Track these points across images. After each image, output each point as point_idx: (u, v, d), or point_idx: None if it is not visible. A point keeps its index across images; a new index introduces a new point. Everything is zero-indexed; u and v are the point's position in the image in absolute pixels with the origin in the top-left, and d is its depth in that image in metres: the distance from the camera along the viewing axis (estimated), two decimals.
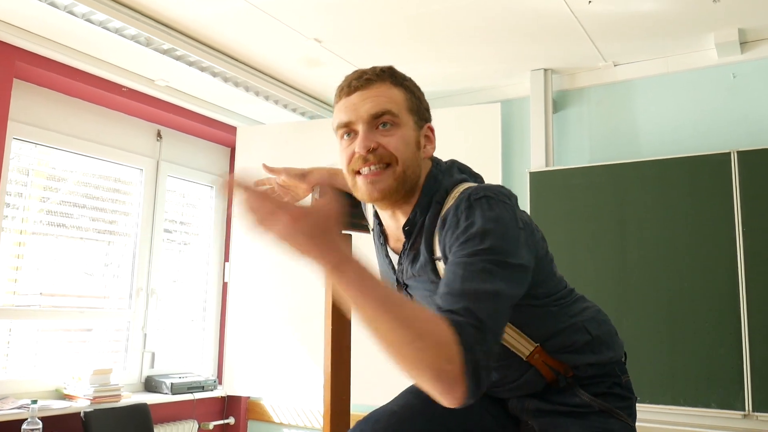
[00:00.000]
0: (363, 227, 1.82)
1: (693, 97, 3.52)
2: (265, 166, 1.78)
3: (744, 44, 3.35)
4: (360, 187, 1.28)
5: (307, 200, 1.81)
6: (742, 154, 3.11)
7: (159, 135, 4.46)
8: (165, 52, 3.43)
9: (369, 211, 1.55)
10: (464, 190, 1.23)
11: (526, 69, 3.75)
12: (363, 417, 1.38)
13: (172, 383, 4.08)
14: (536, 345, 1.28)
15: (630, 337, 3.02)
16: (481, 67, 3.79)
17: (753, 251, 3.02)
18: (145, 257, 4.26)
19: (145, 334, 4.23)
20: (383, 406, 1.40)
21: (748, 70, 3.41)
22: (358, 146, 1.25)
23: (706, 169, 3.14)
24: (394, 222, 1.36)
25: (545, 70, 3.70)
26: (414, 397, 1.36)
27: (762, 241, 3.01)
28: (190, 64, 3.58)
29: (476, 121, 3.84)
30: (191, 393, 4.18)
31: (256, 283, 4.20)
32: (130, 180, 4.29)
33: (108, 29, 3.18)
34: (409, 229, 1.30)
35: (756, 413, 2.91)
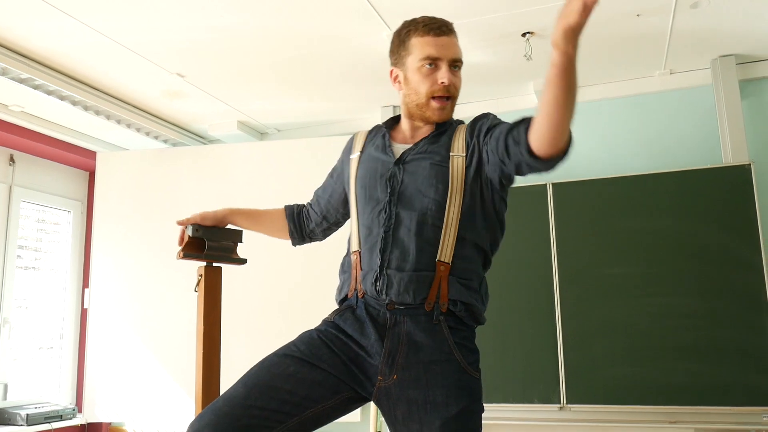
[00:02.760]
0: (233, 260, 2.06)
1: None
2: (179, 221, 1.96)
3: None
4: (432, 109, 1.61)
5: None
6: (556, 186, 3.67)
7: (12, 159, 4.36)
8: (22, 81, 3.43)
9: (359, 138, 1.81)
10: (479, 114, 1.66)
11: (378, 106, 4.13)
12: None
13: (27, 414, 3.99)
14: (450, 262, 1.52)
15: None
16: (338, 103, 4.12)
17: (564, 269, 3.57)
18: None
19: None
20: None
21: None
22: (445, 78, 1.58)
23: (527, 198, 3.66)
24: (414, 127, 1.68)
25: (393, 106, 4.10)
26: (240, 385, 1.49)
27: (572, 261, 3.56)
28: (49, 92, 3.60)
29: (335, 151, 4.14)
30: (48, 423, 4.11)
31: (116, 309, 4.22)
32: None
33: None
34: (439, 130, 1.64)
35: (569, 405, 3.44)
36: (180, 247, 1.99)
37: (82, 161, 4.67)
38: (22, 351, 4.33)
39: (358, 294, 1.57)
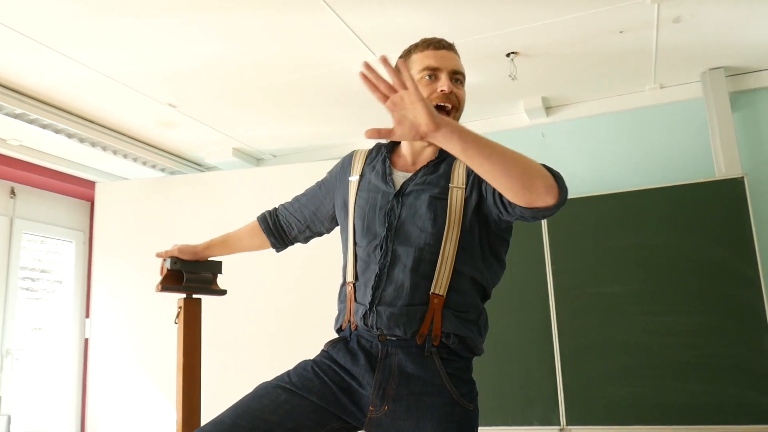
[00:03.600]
0: (212, 292, 2.07)
1: None
2: (158, 253, 2.00)
3: (549, 109, 3.94)
4: None
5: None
6: None
7: (12, 192, 4.43)
8: (17, 116, 3.49)
9: (358, 158, 1.77)
10: None
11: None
12: None
13: None
14: (444, 295, 1.50)
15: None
16: (331, 127, 4.15)
17: (560, 287, 3.54)
18: None
19: (0, 397, 4.13)
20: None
21: (555, 131, 4.00)
22: (444, 86, 1.56)
23: None
24: (415, 151, 1.64)
25: None
26: (231, 411, 1.50)
27: (567, 279, 3.54)
28: (44, 126, 3.65)
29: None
30: None
31: (117, 338, 4.24)
32: None
33: None
34: (439, 158, 1.61)
35: (570, 426, 3.39)
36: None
37: (82, 192, 4.73)
38: (26, 381, 4.35)
39: (351, 326, 1.57)
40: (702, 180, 3.44)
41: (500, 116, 4.06)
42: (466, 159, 1.29)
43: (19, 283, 4.38)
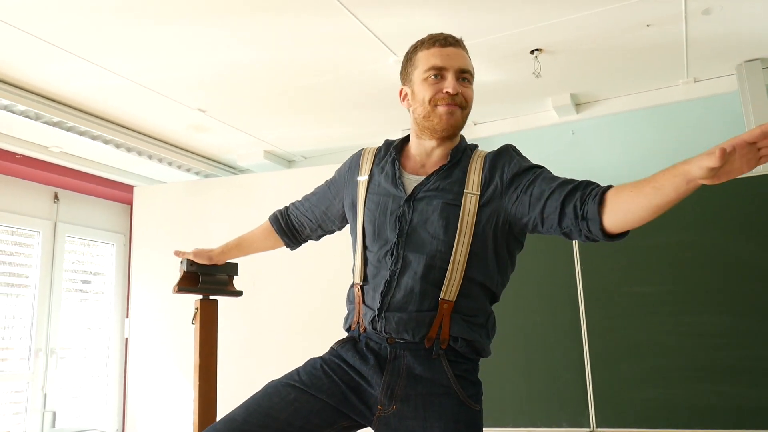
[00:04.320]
0: (228, 293, 2.12)
1: (539, 151, 3.99)
2: (176, 252, 2.09)
3: (579, 105, 3.87)
4: (439, 115, 1.55)
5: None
6: None
7: (56, 197, 4.60)
8: (55, 124, 3.62)
9: (366, 157, 1.75)
10: (501, 147, 1.62)
11: (398, 128, 4.15)
12: None
13: None
14: (454, 301, 1.49)
15: (493, 368, 3.40)
16: (359, 128, 4.17)
17: (589, 288, 3.47)
18: (44, 318, 4.36)
19: (45, 394, 4.30)
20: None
21: (585, 127, 3.93)
22: (450, 87, 1.53)
23: None
24: (425, 152, 1.63)
25: None
26: (242, 409, 1.53)
27: (597, 279, 3.47)
28: (81, 133, 3.78)
29: None
30: None
31: (156, 338, 4.36)
32: (29, 243, 4.40)
33: None
34: (452, 161, 1.59)
35: (600, 429, 3.32)
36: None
37: (122, 195, 4.88)
38: (70, 379, 4.52)
39: (360, 328, 1.58)
40: (740, 176, 3.33)
41: (529, 114, 4.01)
42: (671, 197, 1.28)
43: (63, 284, 4.55)
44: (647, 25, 3.00)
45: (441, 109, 1.54)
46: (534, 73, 3.26)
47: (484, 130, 4.13)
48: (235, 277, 2.17)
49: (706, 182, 1.19)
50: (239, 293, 2.16)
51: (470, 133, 4.10)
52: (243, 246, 2.08)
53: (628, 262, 3.42)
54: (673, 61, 3.42)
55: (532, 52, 3.19)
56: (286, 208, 2.00)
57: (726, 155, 1.13)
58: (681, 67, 3.49)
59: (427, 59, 1.57)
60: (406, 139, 1.70)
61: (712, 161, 1.13)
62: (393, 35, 2.96)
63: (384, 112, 3.89)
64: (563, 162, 3.93)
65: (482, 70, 3.35)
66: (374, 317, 1.53)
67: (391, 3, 2.71)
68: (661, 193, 1.28)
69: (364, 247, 1.62)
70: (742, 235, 3.22)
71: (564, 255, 3.54)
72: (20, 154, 4.07)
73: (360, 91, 3.58)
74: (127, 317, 4.73)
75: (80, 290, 4.74)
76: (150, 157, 4.26)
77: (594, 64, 3.40)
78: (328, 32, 2.93)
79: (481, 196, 1.53)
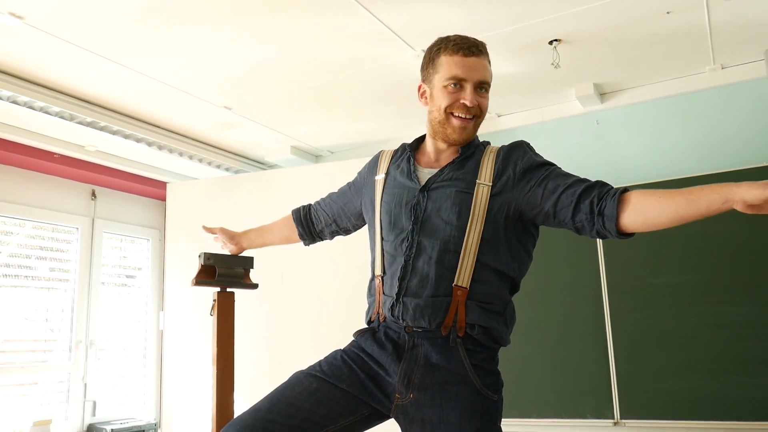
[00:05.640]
0: (244, 285, 2.19)
1: (564, 141, 3.98)
2: (204, 227, 2.31)
3: (603, 95, 3.83)
4: (452, 126, 1.62)
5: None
6: None
7: (93, 194, 4.76)
8: (89, 124, 3.76)
9: (384, 158, 1.84)
10: (514, 142, 1.66)
11: (420, 122, 4.17)
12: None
13: (112, 429, 4.32)
14: (468, 287, 1.52)
15: (518, 361, 3.42)
16: (382, 122, 4.22)
17: (613, 280, 3.45)
18: (83, 311, 4.53)
19: (86, 384, 4.47)
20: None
21: (609, 117, 3.89)
22: (468, 100, 1.59)
23: None
24: (438, 149, 1.69)
25: None
26: (267, 400, 1.59)
27: (621, 271, 3.44)
28: (114, 133, 3.92)
29: None
30: None
31: (189, 330, 4.49)
32: (68, 239, 4.57)
33: (33, 108, 3.51)
34: (465, 154, 1.65)
35: (624, 420, 3.31)
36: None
37: (156, 192, 5.02)
38: (109, 370, 4.69)
39: (380, 318, 1.63)
40: (765, 164, 3.26)
41: (552, 105, 3.99)
42: (703, 212, 1.34)
43: (101, 278, 4.72)
44: (667, 12, 2.96)
45: (455, 122, 1.60)
46: (553, 63, 3.24)
47: (507, 122, 4.12)
48: (251, 270, 2.25)
49: (744, 209, 1.24)
50: (255, 286, 2.23)
51: (494, 125, 4.12)
52: (264, 232, 2.18)
53: (651, 253, 3.39)
54: (697, 48, 3.36)
55: (550, 42, 3.17)
56: (310, 203, 2.10)
57: None
58: (706, 53, 3.42)
59: (449, 67, 1.62)
60: (421, 139, 1.77)
61: None
62: (409, 29, 2.99)
63: (406, 106, 3.92)
64: (588, 152, 3.90)
65: (501, 62, 3.35)
66: (393, 303, 1.58)
67: None
68: (692, 206, 1.33)
69: (382, 239, 1.68)
70: (765, 224, 3.16)
71: (588, 248, 3.53)
72: (58, 154, 4.23)
73: (381, 86, 3.62)
74: (162, 310, 4.88)
75: (118, 284, 4.91)
76: (181, 154, 4.38)
77: (615, 54, 3.36)
78: (346, 30, 2.98)
79: (493, 186, 1.57)
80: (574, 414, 3.41)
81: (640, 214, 1.41)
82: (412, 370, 1.54)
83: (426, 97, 1.68)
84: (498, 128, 4.15)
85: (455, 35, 1.65)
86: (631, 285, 3.41)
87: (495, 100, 3.86)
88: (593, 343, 3.44)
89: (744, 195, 1.23)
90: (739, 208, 1.25)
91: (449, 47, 1.63)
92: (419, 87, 1.70)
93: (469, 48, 1.61)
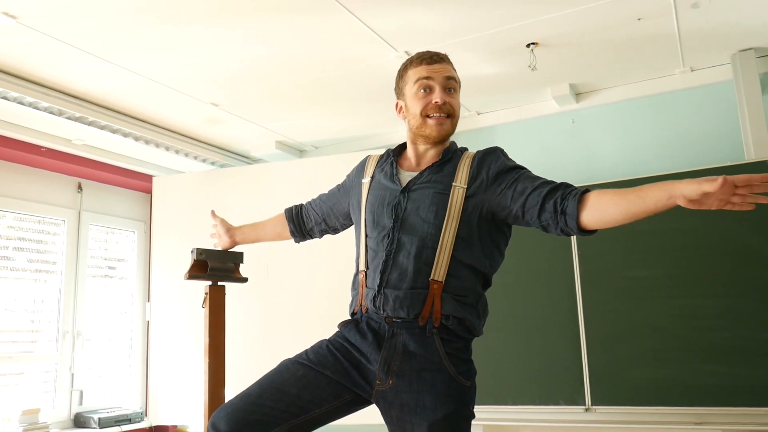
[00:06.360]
0: (234, 279, 2.30)
1: (541, 138, 4.12)
2: (213, 214, 2.42)
3: (578, 95, 3.97)
4: (430, 126, 1.76)
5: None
6: None
7: (80, 187, 4.82)
8: (77, 119, 3.82)
9: (371, 162, 1.97)
10: (488, 148, 1.80)
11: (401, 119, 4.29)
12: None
13: (99, 418, 4.40)
14: (443, 281, 1.64)
15: (494, 350, 3.56)
16: (366, 119, 4.33)
17: (586, 271, 3.61)
18: (70, 302, 4.60)
19: (73, 374, 4.55)
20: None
21: (584, 116, 4.04)
22: (438, 98, 1.75)
23: None
24: (419, 154, 1.83)
25: None
26: (256, 386, 1.72)
27: (594, 264, 3.60)
28: (102, 128, 3.98)
29: None
30: (118, 426, 4.50)
31: (175, 321, 4.57)
32: (55, 231, 4.63)
33: (23, 104, 3.57)
34: (443, 159, 1.79)
35: (595, 407, 3.48)
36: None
37: (142, 185, 5.08)
38: (96, 360, 4.77)
39: (362, 309, 1.76)
40: (731, 163, 3.42)
41: (530, 104, 4.13)
42: (650, 209, 1.45)
43: (88, 270, 4.79)
44: (638, 19, 3.10)
45: (431, 121, 1.76)
46: (530, 66, 3.37)
47: (487, 120, 4.26)
48: (241, 264, 2.36)
49: (685, 204, 1.36)
50: (245, 279, 2.35)
51: (474, 123, 4.25)
52: (257, 227, 2.31)
53: (624, 246, 3.54)
54: (667, 52, 3.51)
55: (528, 45, 3.30)
56: (302, 203, 2.23)
57: (726, 184, 1.29)
58: (676, 57, 3.58)
59: (416, 74, 1.80)
60: (403, 145, 1.93)
61: (713, 186, 1.30)
62: (392, 32, 3.10)
63: (388, 104, 4.02)
64: (564, 149, 4.05)
65: (481, 64, 3.47)
66: (375, 295, 1.71)
67: (388, 2, 2.85)
68: (642, 202, 1.45)
69: (366, 236, 1.82)
70: (737, 221, 3.32)
71: (562, 242, 3.68)
72: (45, 147, 4.28)
73: (365, 84, 3.73)
74: (149, 301, 4.96)
75: (104, 275, 4.98)
76: (167, 148, 4.45)
77: (589, 56, 3.50)
78: (331, 30, 3.08)
79: (468, 188, 1.72)
80: (548, 401, 3.57)
81: (598, 211, 1.53)
82: (391, 357, 1.67)
83: (403, 111, 1.85)
84: (478, 125, 4.28)
85: (417, 52, 1.84)
86: (603, 277, 3.57)
87: (475, 99, 4.00)
88: (566, 333, 3.59)
89: (683, 191, 1.35)
90: (681, 203, 1.37)
91: (414, 60, 1.82)
92: (396, 104, 1.88)
93: (431, 57, 1.80)
